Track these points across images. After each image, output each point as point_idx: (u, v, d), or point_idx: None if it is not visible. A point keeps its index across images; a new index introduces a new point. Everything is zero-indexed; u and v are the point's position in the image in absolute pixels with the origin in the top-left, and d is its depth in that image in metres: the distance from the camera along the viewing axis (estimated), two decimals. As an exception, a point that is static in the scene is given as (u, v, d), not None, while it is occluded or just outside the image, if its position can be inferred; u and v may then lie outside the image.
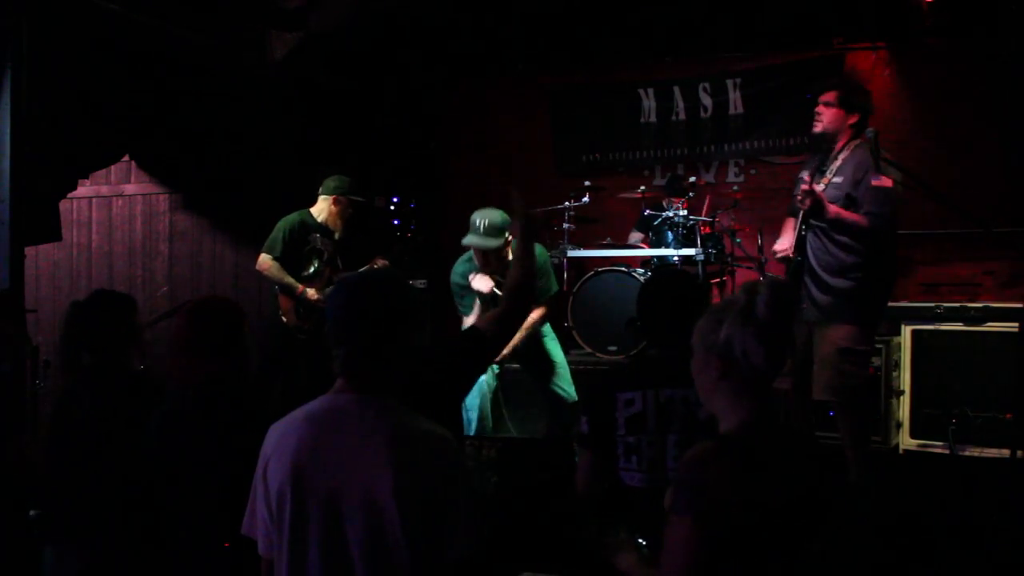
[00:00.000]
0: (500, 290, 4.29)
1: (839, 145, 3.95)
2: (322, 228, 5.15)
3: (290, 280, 5.00)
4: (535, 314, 4.51)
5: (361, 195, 5.29)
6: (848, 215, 3.79)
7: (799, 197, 3.81)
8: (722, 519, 1.65)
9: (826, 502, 1.84)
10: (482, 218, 4.28)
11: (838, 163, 3.91)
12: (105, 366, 2.88)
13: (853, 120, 3.92)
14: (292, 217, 5.09)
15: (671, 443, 2.47)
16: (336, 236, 5.20)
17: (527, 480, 3.53)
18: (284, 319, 5.07)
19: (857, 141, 3.91)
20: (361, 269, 5.18)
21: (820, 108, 3.97)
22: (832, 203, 3.80)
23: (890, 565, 3.51)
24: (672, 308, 2.65)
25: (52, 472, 2.91)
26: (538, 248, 4.62)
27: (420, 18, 6.07)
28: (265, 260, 5.01)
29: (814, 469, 1.84)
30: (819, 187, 3.82)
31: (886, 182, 3.78)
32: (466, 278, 4.48)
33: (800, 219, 3.97)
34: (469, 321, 4.54)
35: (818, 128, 3.97)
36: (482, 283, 4.33)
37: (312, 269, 5.11)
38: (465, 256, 4.49)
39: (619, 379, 2.69)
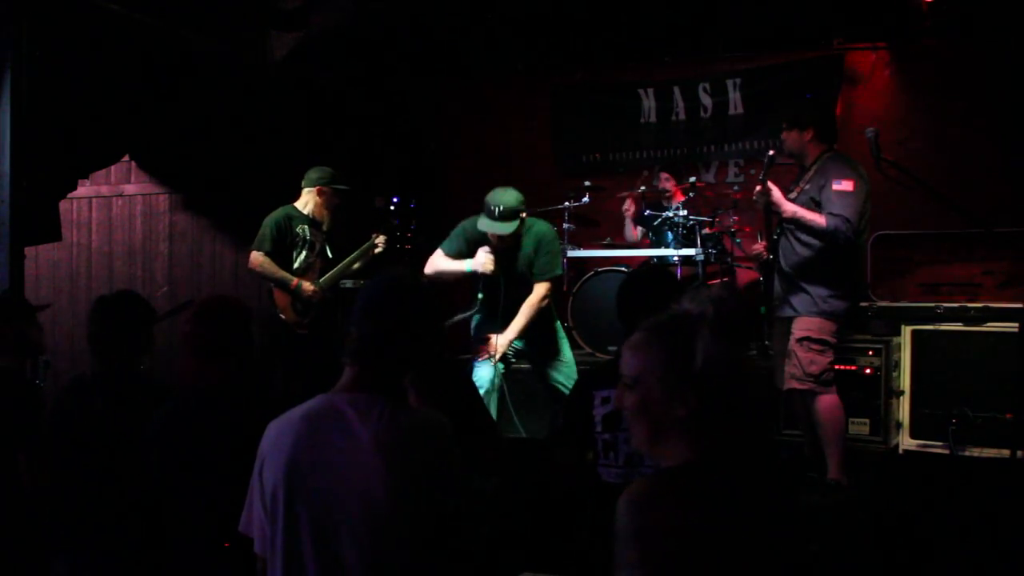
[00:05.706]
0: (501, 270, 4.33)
1: (811, 160, 4.27)
2: (309, 220, 5.12)
3: (283, 274, 4.97)
4: (540, 289, 4.43)
5: (344, 183, 5.26)
6: (805, 213, 4.12)
7: (753, 196, 4.21)
8: (672, 567, 1.38)
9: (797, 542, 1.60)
10: (496, 203, 4.26)
11: (810, 174, 4.26)
12: (114, 370, 2.86)
13: (809, 136, 4.26)
14: (277, 212, 5.06)
15: None
16: (324, 227, 5.18)
17: (527, 480, 3.53)
18: (282, 316, 5.02)
19: (829, 154, 4.24)
20: (363, 247, 5.17)
21: (782, 135, 4.39)
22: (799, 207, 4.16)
23: (890, 565, 3.51)
24: (651, 306, 2.65)
25: (54, 475, 2.91)
26: (546, 226, 4.56)
27: (419, 18, 6.07)
28: (256, 257, 4.97)
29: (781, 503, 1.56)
30: (777, 191, 4.16)
31: (847, 186, 4.08)
32: (478, 232, 4.42)
33: (775, 223, 4.31)
34: (452, 265, 4.48)
35: (785, 151, 4.40)
36: (485, 265, 4.34)
37: (302, 262, 5.08)
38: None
39: (597, 378, 2.72)
